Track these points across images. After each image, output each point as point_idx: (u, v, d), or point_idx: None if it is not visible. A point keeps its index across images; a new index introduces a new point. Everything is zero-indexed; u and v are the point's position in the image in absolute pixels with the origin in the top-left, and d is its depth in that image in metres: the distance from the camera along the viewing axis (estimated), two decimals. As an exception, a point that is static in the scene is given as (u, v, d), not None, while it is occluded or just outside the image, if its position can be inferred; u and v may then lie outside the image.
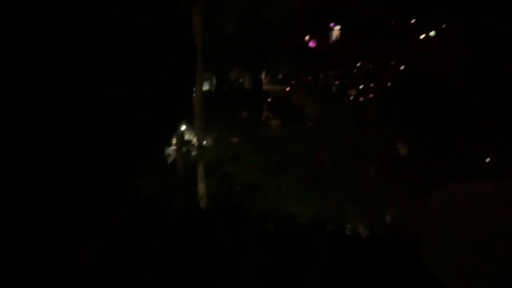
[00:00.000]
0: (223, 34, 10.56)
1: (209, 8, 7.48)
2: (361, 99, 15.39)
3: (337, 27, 30.23)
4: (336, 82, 18.77)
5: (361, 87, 17.02)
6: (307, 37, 26.28)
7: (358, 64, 21.64)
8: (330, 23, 30.52)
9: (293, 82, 19.00)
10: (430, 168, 8.68)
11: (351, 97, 15.48)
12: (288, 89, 17.00)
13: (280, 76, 20.11)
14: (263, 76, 18.90)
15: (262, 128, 11.26)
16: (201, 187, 9.04)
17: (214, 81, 15.26)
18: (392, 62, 19.86)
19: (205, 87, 14.49)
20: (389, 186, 8.84)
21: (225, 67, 14.87)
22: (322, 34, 28.00)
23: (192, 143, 10.99)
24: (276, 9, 8.28)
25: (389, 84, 15.70)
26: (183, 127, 11.01)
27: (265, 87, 17.15)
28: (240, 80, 15.36)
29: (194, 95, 9.12)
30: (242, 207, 8.14)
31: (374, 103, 13.57)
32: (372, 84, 16.94)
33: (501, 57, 11.11)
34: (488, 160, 8.57)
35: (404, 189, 8.59)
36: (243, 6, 7.26)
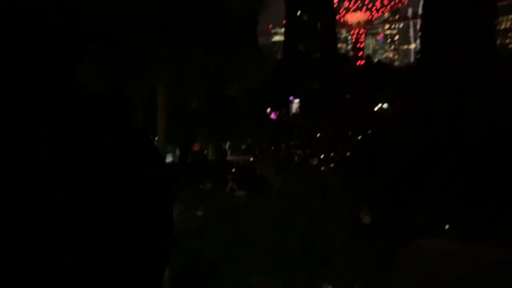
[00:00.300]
0: (188, 107, 10.80)
1: (173, 84, 7.72)
2: (322, 168, 15.79)
3: (297, 100, 31.82)
4: (298, 152, 19.36)
5: (322, 156, 17.60)
6: (268, 109, 27.35)
7: (318, 135, 22.55)
8: (290, 96, 32.10)
9: (256, 152, 19.41)
10: (393, 235, 8.79)
11: (313, 167, 15.85)
12: (252, 159, 17.27)
13: (243, 147, 20.51)
14: (227, 147, 19.19)
15: (227, 199, 11.16)
16: (164, 264, 8.59)
17: (177, 152, 15.30)
18: (350, 132, 20.85)
19: (169, 158, 14.44)
20: (356, 256, 8.80)
21: (189, 139, 15.00)
22: (283, 106, 29.27)
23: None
24: (238, 85, 8.65)
25: (348, 153, 16.36)
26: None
27: (229, 157, 17.33)
28: (205, 151, 15.47)
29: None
30: (208, 285, 7.76)
31: (336, 172, 13.92)
32: (332, 154, 17.57)
33: (451, 128, 11.92)
34: (447, 227, 8.82)
35: (371, 258, 8.58)
36: (206, 82, 7.55)
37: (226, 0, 5.98)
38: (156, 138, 8.30)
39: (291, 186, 12.59)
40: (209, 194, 11.66)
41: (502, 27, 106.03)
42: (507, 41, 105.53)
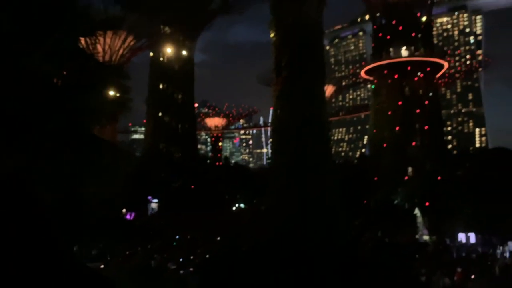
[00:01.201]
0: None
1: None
2: (181, 272, 14.97)
3: (155, 200, 30.75)
4: (156, 256, 18.09)
5: (181, 260, 16.78)
6: (124, 210, 25.65)
7: (177, 237, 21.73)
8: (148, 196, 30.92)
9: (108, 257, 17.46)
10: None
11: (172, 271, 14.91)
12: (102, 266, 15.44)
13: (94, 252, 18.32)
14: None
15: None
16: None
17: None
18: (209, 234, 20.67)
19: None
20: None
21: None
22: (140, 206, 27.87)
23: None
24: (93, 184, 7.98)
25: (207, 255, 15.97)
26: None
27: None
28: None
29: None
30: None
31: (195, 276, 13.31)
32: (192, 257, 16.92)
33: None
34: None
35: None
36: (53, 183, 6.78)
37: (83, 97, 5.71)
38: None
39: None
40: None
41: (335, 137, 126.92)
42: (340, 149, 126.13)
